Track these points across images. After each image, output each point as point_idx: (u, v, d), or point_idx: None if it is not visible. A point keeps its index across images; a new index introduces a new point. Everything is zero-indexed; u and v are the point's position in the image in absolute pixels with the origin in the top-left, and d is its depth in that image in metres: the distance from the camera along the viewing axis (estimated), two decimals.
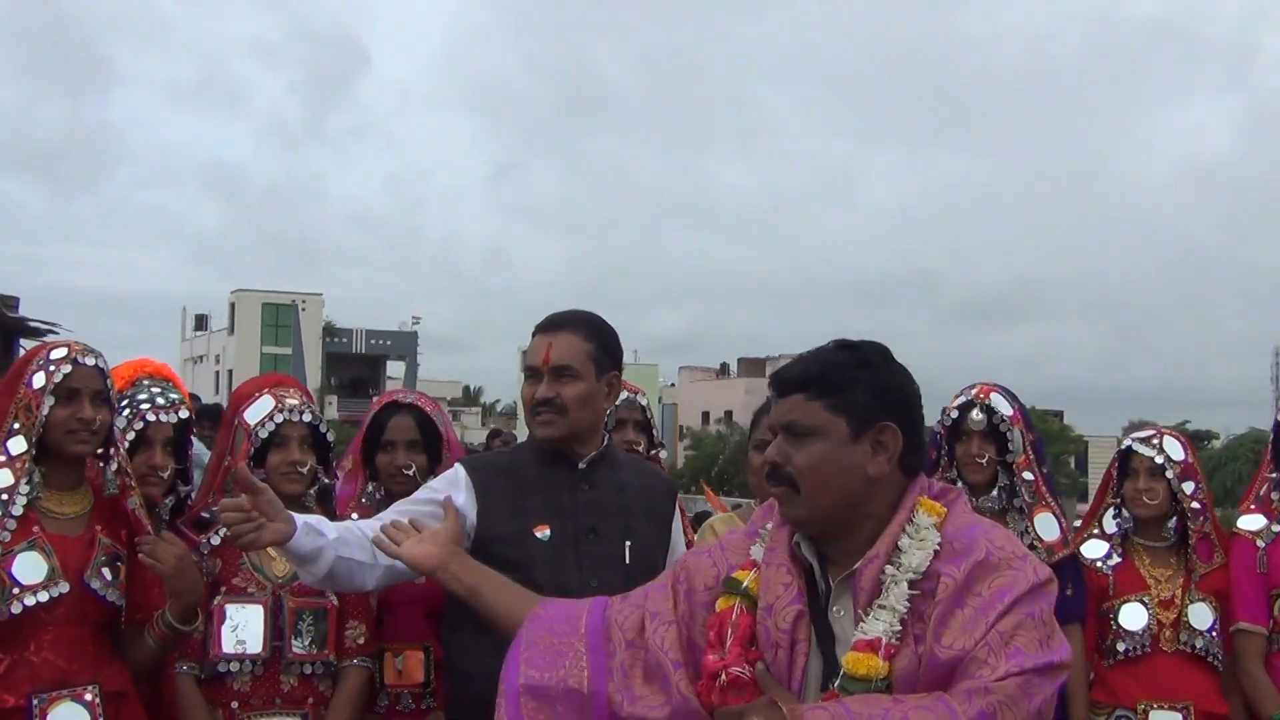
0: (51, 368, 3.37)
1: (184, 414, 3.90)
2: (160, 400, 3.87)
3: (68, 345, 3.45)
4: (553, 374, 3.25)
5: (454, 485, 3.26)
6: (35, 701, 3.20)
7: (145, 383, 3.98)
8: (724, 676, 2.33)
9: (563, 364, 3.26)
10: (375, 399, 4.31)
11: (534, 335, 3.34)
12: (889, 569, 2.28)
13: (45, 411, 3.33)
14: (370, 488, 4.09)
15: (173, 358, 75.03)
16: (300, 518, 2.92)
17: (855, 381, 2.36)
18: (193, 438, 4.00)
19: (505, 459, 3.44)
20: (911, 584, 2.26)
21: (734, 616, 2.39)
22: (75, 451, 3.37)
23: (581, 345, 3.29)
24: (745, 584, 2.43)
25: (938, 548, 2.28)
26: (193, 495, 3.98)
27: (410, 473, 3.93)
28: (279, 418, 3.74)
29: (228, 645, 3.59)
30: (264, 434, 3.72)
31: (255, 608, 3.64)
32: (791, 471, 2.37)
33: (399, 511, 3.14)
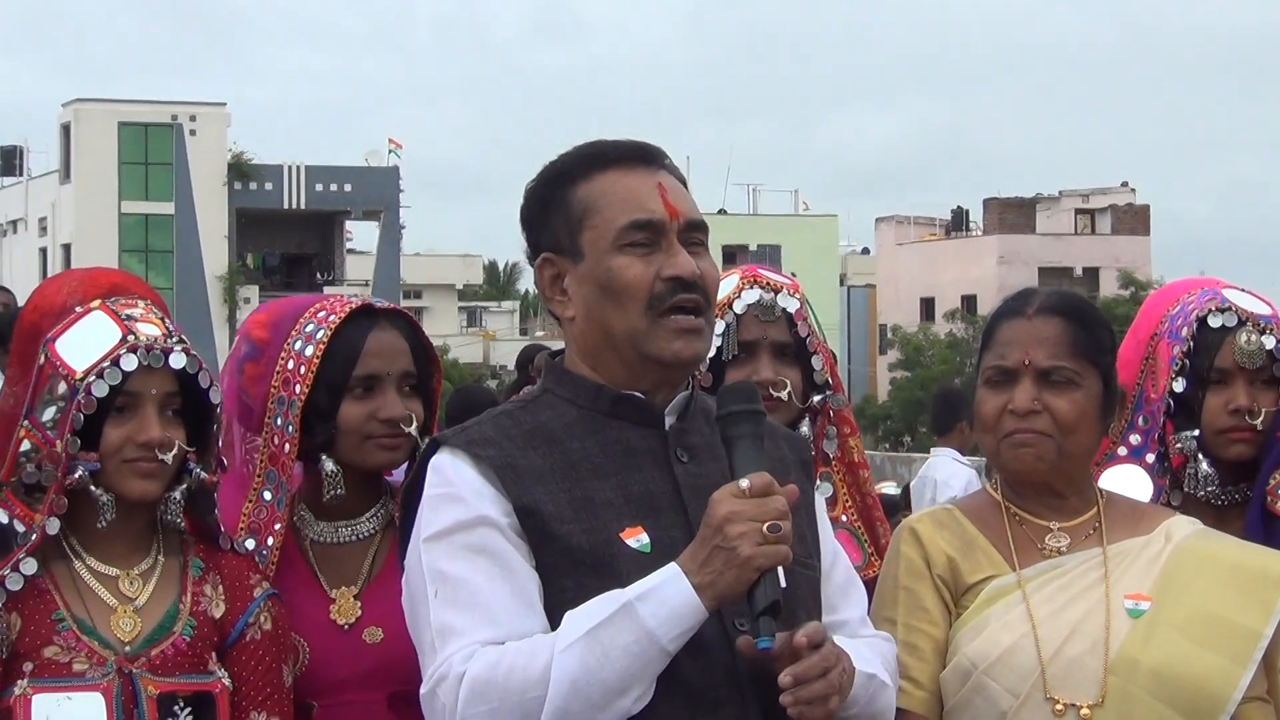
0: None
1: None
2: None
3: None
4: (687, 233, 2.15)
5: (474, 492, 2.08)
6: None
7: None
8: None
9: (698, 219, 2.18)
10: (312, 309, 2.71)
11: (613, 168, 2.16)
12: None
13: None
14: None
15: None
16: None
17: None
18: None
19: (527, 419, 2.17)
20: None
21: None
22: None
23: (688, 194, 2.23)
24: None
25: None
26: None
27: (411, 429, 2.65)
28: (128, 363, 2.45)
29: None
30: (101, 392, 2.44)
31: (90, 697, 2.55)
32: None
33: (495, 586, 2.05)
